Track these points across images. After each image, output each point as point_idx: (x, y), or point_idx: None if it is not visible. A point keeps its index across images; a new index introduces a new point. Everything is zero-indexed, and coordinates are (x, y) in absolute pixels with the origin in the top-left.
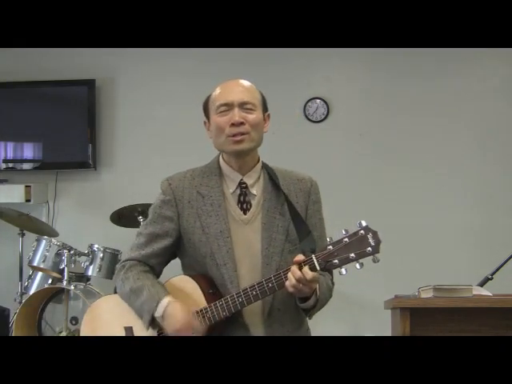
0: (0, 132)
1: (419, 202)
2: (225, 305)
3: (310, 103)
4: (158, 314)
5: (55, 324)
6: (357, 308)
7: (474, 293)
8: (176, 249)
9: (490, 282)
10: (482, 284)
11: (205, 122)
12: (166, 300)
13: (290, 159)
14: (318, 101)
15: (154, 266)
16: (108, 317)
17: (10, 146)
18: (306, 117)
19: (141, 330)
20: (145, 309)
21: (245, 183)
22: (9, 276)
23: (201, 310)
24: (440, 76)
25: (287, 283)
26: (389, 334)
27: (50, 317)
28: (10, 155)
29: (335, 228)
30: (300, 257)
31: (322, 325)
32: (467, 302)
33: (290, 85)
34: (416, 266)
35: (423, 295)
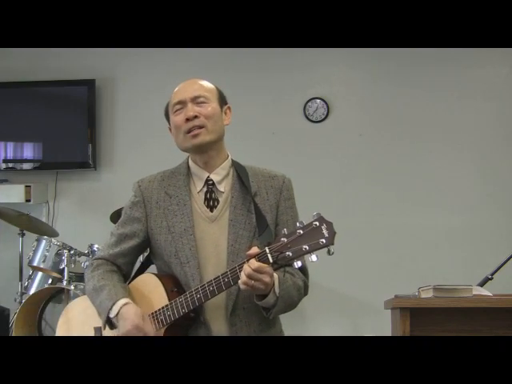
0: (0, 132)
1: (419, 201)
2: (184, 301)
3: (310, 103)
4: (112, 314)
5: (55, 324)
6: (357, 308)
7: (474, 293)
8: (145, 250)
9: (490, 281)
10: (482, 284)
11: (169, 128)
12: (121, 301)
13: (290, 159)
14: (318, 101)
15: (120, 265)
16: (81, 318)
17: (10, 146)
18: (306, 117)
19: (108, 330)
20: (102, 308)
21: (211, 180)
22: (9, 276)
23: (157, 311)
24: (440, 76)
25: (239, 281)
26: (389, 334)
27: (49, 317)
28: (10, 155)
29: (335, 228)
30: (253, 250)
31: (321, 325)
32: (467, 302)
33: (290, 85)
34: (416, 266)
35: (423, 295)
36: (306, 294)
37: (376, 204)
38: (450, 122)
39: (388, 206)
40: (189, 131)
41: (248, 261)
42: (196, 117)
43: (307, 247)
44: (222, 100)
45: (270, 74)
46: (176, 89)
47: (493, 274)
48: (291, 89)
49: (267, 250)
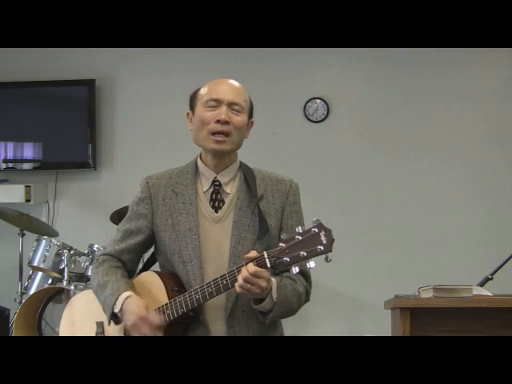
0: (0, 132)
1: (419, 202)
2: (183, 301)
3: (309, 103)
4: (116, 309)
5: (55, 324)
6: (357, 308)
7: (474, 293)
8: (150, 246)
9: (490, 281)
10: (482, 284)
11: (188, 114)
12: (124, 295)
13: (290, 159)
14: (318, 101)
15: (125, 261)
16: (83, 312)
17: (10, 146)
18: (306, 117)
19: (112, 325)
20: (107, 304)
21: (218, 181)
22: (9, 276)
23: (160, 308)
24: (441, 76)
25: (236, 284)
26: (389, 334)
27: (49, 317)
28: (10, 155)
29: (336, 228)
30: (252, 253)
31: (321, 325)
32: (467, 302)
33: (290, 85)
34: (416, 266)
35: (423, 295)
36: (307, 300)
37: (376, 204)
38: (450, 122)
39: (388, 205)
40: (214, 133)
41: (246, 264)
42: (227, 122)
43: (305, 253)
44: (250, 114)
45: (270, 74)
46: (214, 84)
47: (493, 274)
48: (291, 89)
49: (265, 255)
